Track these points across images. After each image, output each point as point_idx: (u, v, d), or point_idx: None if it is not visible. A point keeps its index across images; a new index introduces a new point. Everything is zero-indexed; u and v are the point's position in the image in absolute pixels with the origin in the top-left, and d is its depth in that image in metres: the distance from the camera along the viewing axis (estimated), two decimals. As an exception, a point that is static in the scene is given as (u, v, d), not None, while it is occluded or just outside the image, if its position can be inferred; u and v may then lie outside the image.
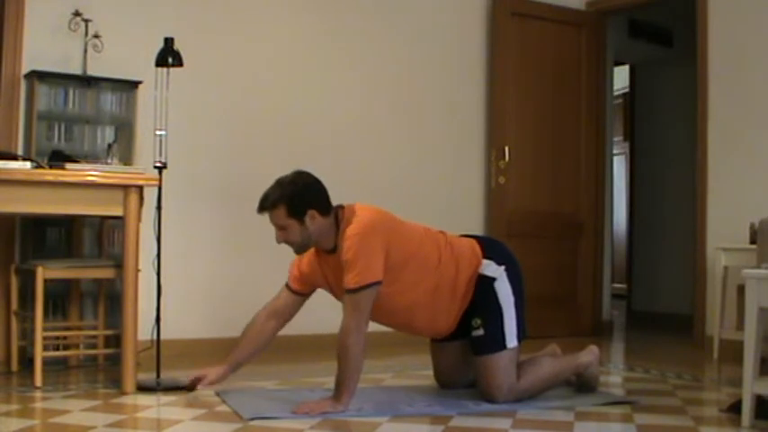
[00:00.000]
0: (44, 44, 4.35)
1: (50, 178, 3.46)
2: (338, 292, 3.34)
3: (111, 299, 4.28)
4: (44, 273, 3.66)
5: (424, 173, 5.57)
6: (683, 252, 6.48)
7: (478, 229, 5.58)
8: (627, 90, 8.18)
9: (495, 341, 3.37)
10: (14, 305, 4.01)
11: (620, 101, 8.36)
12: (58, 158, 3.80)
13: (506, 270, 3.45)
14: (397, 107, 5.51)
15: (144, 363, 3.76)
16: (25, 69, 4.32)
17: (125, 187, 3.54)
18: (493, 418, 3.15)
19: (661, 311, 7.15)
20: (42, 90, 4.25)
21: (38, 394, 3.45)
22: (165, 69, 3.83)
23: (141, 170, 3.81)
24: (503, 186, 5.73)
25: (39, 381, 3.57)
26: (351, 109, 5.35)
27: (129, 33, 4.57)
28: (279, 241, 3.30)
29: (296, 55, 5.18)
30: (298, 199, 3.22)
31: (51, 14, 4.37)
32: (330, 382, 3.30)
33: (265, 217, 3.27)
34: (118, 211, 3.54)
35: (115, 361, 4.00)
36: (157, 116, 3.84)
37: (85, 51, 4.40)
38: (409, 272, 3.32)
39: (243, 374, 3.69)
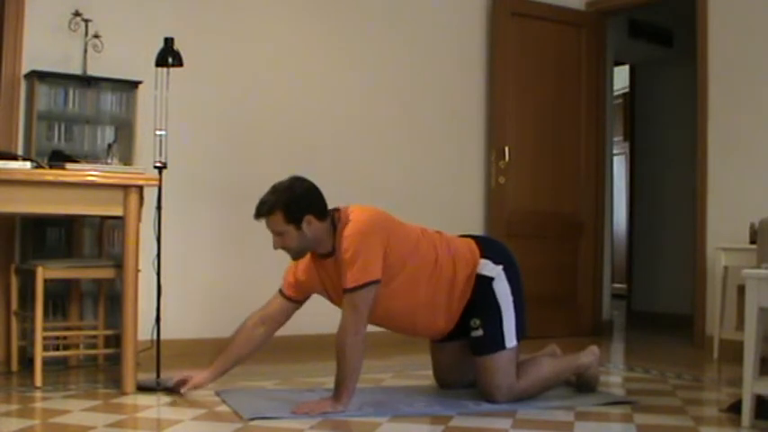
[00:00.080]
0: (44, 44, 4.35)
1: (50, 178, 3.46)
2: (336, 297, 3.33)
3: (111, 299, 4.28)
4: (44, 273, 3.66)
5: (424, 173, 5.57)
6: (683, 252, 6.47)
7: (478, 229, 5.58)
8: (627, 90, 8.17)
9: (495, 341, 3.37)
10: (14, 305, 4.01)
11: (620, 101, 8.37)
12: (58, 158, 3.79)
13: (504, 269, 3.44)
14: (397, 107, 5.51)
15: (144, 363, 3.76)
16: (25, 69, 4.32)
17: (125, 187, 3.54)
18: (493, 418, 3.15)
19: (661, 311, 7.14)
20: (42, 90, 4.25)
21: (38, 394, 3.45)
22: (164, 69, 3.83)
23: (141, 170, 3.80)
24: (503, 186, 5.73)
25: (39, 381, 3.57)
26: (351, 109, 5.35)
27: (129, 33, 4.57)
28: (276, 247, 3.29)
29: (296, 55, 5.18)
30: (294, 205, 3.21)
31: (51, 14, 4.37)
32: (330, 382, 3.30)
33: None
34: (118, 211, 3.54)
35: (115, 361, 4.00)
36: (157, 116, 3.84)
37: (85, 51, 4.40)
38: (407, 272, 3.31)
39: (243, 374, 3.69)
